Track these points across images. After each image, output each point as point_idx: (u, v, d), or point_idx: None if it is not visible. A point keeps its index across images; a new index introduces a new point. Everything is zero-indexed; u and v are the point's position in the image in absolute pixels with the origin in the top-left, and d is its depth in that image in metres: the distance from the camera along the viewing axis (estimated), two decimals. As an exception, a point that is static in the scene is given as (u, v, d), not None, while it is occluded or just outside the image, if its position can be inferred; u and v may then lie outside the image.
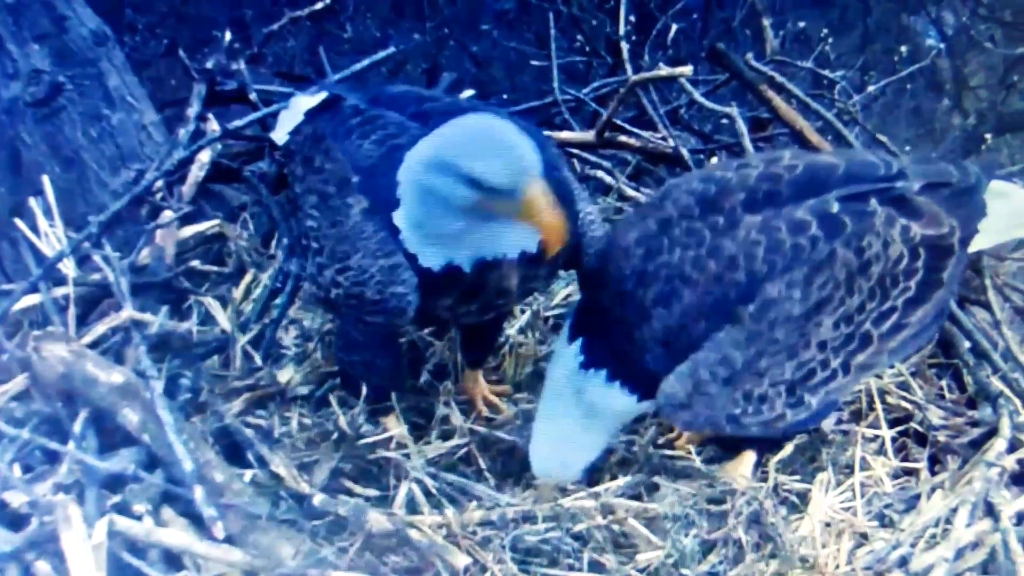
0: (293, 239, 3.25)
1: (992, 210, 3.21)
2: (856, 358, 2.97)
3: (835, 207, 2.92)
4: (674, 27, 5.54)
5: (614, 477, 3.27)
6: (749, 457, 3.32)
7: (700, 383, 2.84)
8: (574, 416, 3.08)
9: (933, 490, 3.32)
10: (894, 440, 3.54)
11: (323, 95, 3.43)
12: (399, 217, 2.86)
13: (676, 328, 2.88)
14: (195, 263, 3.93)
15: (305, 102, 3.45)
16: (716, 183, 3.04)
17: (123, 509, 2.92)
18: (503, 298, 3.01)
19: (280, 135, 3.54)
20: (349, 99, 3.28)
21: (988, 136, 5.57)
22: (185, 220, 4.01)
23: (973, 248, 3.20)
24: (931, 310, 3.08)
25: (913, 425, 3.60)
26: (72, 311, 3.53)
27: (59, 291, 3.61)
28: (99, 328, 3.49)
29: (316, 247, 3.03)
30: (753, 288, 2.84)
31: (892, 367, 3.77)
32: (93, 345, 3.41)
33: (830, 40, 5.68)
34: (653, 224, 3.04)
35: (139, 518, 2.90)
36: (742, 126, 4.42)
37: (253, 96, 4.41)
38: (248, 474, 3.06)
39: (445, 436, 3.44)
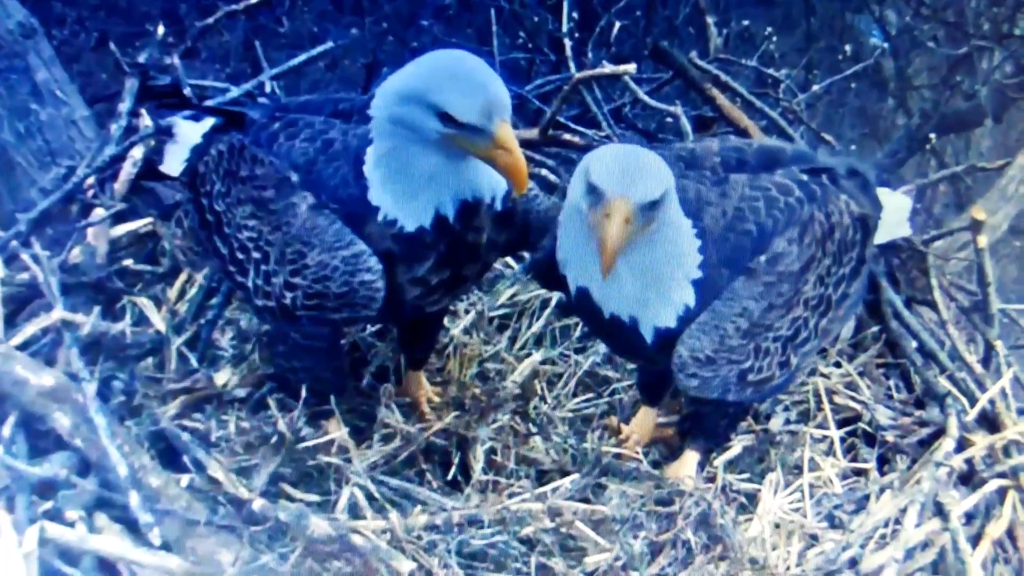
0: (223, 260, 3.13)
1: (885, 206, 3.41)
2: (821, 321, 3.05)
3: (804, 176, 3.08)
4: (617, 24, 5.52)
5: (563, 476, 3.26)
6: (692, 458, 3.30)
7: (724, 336, 2.84)
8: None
9: (882, 490, 3.33)
10: (843, 440, 3.55)
11: (211, 120, 3.43)
12: (373, 180, 2.83)
13: (704, 275, 2.87)
14: (128, 262, 3.82)
15: (191, 129, 3.46)
16: (685, 150, 3.13)
17: (55, 516, 2.85)
18: (475, 261, 3.00)
19: (174, 166, 3.48)
20: (252, 114, 3.21)
21: (932, 136, 5.62)
22: (117, 218, 3.90)
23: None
24: (860, 286, 3.25)
25: (861, 425, 3.62)
26: (0, 311, 3.40)
27: (-14, 291, 3.50)
28: (28, 329, 3.38)
29: (259, 256, 2.96)
30: (763, 241, 2.91)
31: (839, 366, 3.79)
32: (22, 347, 3.30)
33: (774, 39, 5.69)
34: None
35: (72, 525, 2.83)
36: (686, 124, 4.43)
37: (187, 91, 4.32)
38: (185, 479, 2.98)
39: (387, 439, 3.37)
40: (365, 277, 2.82)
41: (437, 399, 3.60)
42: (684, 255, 2.82)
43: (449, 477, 3.30)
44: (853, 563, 3.07)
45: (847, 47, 6.24)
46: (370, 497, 3.07)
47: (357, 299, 2.85)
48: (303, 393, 3.17)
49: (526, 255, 3.94)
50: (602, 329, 3.00)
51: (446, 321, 3.79)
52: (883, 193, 3.45)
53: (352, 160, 2.89)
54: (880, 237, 3.39)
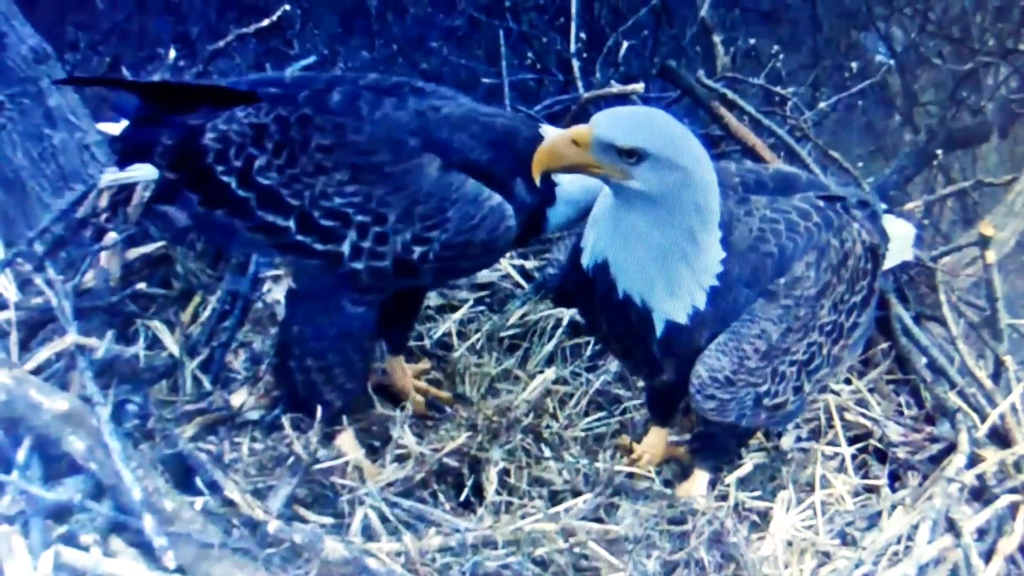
0: (279, 232, 3.11)
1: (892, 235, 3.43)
2: (834, 348, 3.08)
3: (820, 203, 3.11)
4: (625, 44, 5.52)
5: (575, 496, 3.26)
6: (702, 477, 3.33)
7: (744, 356, 2.86)
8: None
9: (894, 507, 3.34)
10: (854, 457, 3.56)
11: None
12: None
13: (723, 289, 2.87)
14: (141, 286, 3.79)
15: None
16: None
17: (70, 540, 2.83)
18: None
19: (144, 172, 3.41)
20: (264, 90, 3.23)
21: (939, 151, 5.62)
22: (130, 242, 3.89)
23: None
24: (870, 316, 3.28)
25: (872, 442, 3.62)
26: (14, 336, 3.42)
27: (0, 316, 3.50)
28: (43, 353, 3.38)
29: (366, 219, 3.03)
30: (783, 263, 2.93)
31: (849, 383, 3.79)
32: (37, 371, 3.31)
33: (781, 56, 5.69)
34: None
35: (86, 549, 2.82)
36: (694, 143, 4.41)
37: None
38: (199, 501, 2.97)
39: (400, 460, 3.38)
40: (510, 223, 3.04)
41: (425, 384, 3.69)
42: (702, 256, 2.82)
43: (462, 498, 3.30)
44: (866, 580, 3.06)
45: (853, 64, 6.23)
46: (383, 519, 3.07)
47: (500, 244, 3.10)
48: (319, 411, 3.20)
49: (536, 275, 3.98)
50: (613, 321, 2.99)
51: (455, 341, 3.85)
52: (889, 220, 3.48)
53: (474, 129, 3.13)
54: (885, 263, 3.41)
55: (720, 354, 2.85)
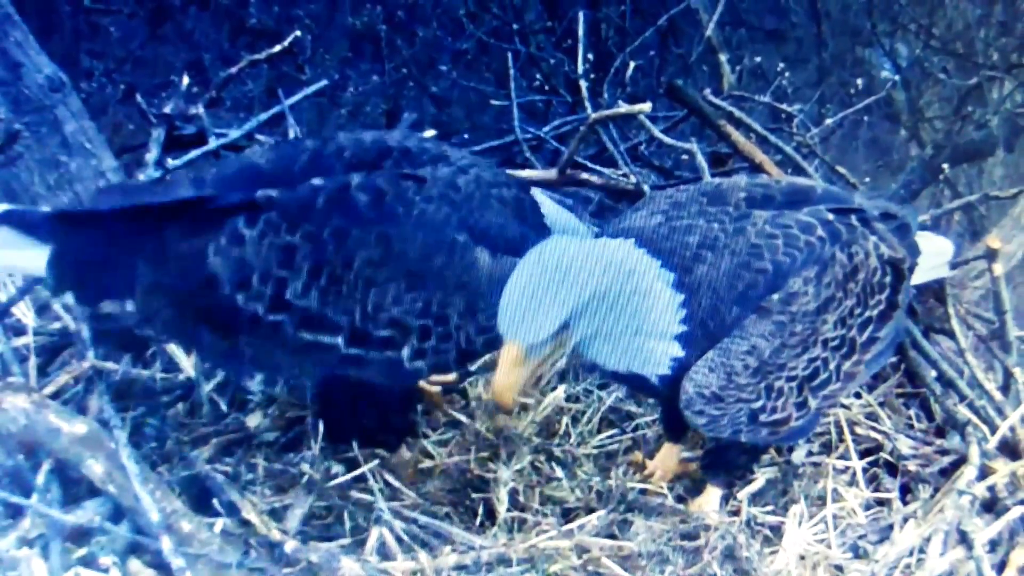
0: (325, 351, 2.95)
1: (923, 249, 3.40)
2: (844, 364, 3.04)
3: (830, 216, 3.06)
4: (632, 64, 5.54)
5: (588, 512, 3.26)
6: (714, 493, 3.33)
7: (732, 373, 2.84)
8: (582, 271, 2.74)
9: (906, 520, 3.32)
10: (865, 471, 3.56)
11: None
12: None
13: (710, 310, 2.86)
14: (157, 309, 3.84)
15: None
16: (710, 185, 3.18)
17: (89, 562, 2.85)
18: None
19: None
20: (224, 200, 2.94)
21: (945, 166, 5.62)
22: (146, 266, 3.92)
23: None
24: (892, 331, 3.20)
25: (883, 455, 3.62)
26: (32, 361, 3.46)
27: (19, 341, 3.54)
28: (61, 378, 3.42)
29: (426, 323, 2.94)
30: (778, 279, 2.90)
31: (859, 397, 3.81)
32: (55, 395, 3.34)
33: (786, 74, 5.73)
34: (664, 203, 3.10)
35: (106, 571, 2.83)
36: (702, 161, 4.44)
37: (212, 140, 4.38)
38: (217, 523, 2.99)
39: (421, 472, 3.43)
40: None
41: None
42: (650, 317, 2.81)
43: (477, 519, 3.29)
44: (879, 593, 3.06)
45: (859, 81, 6.28)
46: (398, 538, 3.08)
47: None
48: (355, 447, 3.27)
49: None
50: (616, 376, 3.07)
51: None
52: (924, 237, 3.46)
53: (511, 210, 3.09)
54: (916, 279, 3.39)
55: (707, 370, 2.84)
